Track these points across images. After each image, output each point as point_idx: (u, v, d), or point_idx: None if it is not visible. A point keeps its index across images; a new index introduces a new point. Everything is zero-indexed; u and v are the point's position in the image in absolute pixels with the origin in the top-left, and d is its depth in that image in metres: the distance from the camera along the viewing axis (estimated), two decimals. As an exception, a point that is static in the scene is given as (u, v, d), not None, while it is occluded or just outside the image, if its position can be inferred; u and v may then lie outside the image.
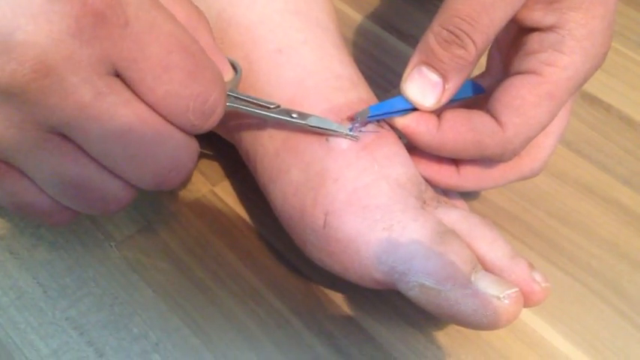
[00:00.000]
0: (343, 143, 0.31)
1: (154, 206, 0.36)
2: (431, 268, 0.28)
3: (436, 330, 0.33)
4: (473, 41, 0.28)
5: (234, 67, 0.31)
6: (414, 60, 0.30)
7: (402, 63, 0.45)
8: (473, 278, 0.28)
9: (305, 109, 0.31)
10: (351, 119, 0.31)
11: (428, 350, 0.32)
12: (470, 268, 0.29)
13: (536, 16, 0.30)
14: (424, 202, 0.31)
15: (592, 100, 0.45)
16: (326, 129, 0.31)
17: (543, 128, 0.31)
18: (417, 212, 0.30)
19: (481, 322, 0.28)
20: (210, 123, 0.27)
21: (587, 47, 0.30)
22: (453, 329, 0.33)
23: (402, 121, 0.31)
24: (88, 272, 0.33)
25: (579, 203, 0.39)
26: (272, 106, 0.30)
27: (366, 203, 0.30)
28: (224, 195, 0.37)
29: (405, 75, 0.30)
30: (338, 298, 0.34)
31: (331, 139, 0.31)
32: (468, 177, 0.33)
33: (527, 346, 0.33)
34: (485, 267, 0.30)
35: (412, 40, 0.47)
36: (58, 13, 0.23)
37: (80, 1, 0.23)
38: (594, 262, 0.36)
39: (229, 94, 0.29)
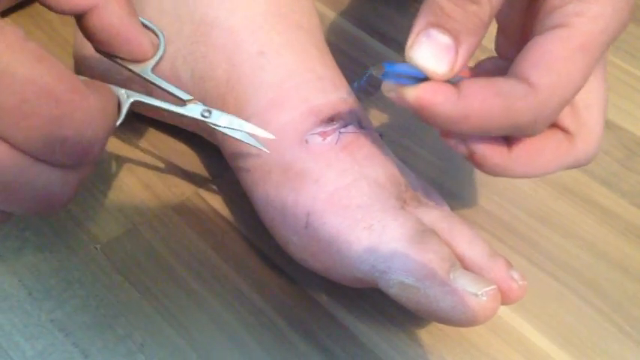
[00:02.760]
0: (323, 145, 0.31)
1: (139, 208, 0.37)
2: (410, 266, 0.29)
3: (418, 328, 0.33)
4: None
5: (157, 35, 0.29)
6: (419, 23, 0.26)
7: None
8: (451, 276, 0.29)
9: (285, 110, 0.32)
10: (330, 120, 0.32)
11: (410, 348, 0.33)
12: (448, 266, 0.29)
13: None
14: (404, 202, 0.32)
15: (571, 102, 0.45)
16: (235, 137, 0.30)
17: (578, 89, 0.27)
18: (397, 212, 0.31)
19: (460, 319, 0.29)
20: (87, 160, 0.25)
21: None
22: (435, 327, 0.33)
23: (414, 93, 0.26)
24: (73, 274, 0.34)
25: (558, 203, 0.39)
26: (185, 99, 0.29)
27: (346, 203, 0.30)
28: (208, 197, 0.38)
29: (410, 41, 0.26)
30: (321, 298, 0.34)
31: (311, 140, 0.32)
32: (519, 157, 0.29)
33: (508, 343, 0.33)
34: (465, 265, 0.30)
35: (394, 43, 0.48)
36: None
37: None
38: (573, 260, 0.37)
39: (144, 77, 0.28)
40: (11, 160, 0.23)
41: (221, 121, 0.29)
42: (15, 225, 0.35)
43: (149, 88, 0.30)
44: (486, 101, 0.26)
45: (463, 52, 0.26)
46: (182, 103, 0.29)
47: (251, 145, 0.30)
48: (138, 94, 0.28)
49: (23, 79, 0.22)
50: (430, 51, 0.26)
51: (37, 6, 0.47)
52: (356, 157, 0.32)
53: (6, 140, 0.23)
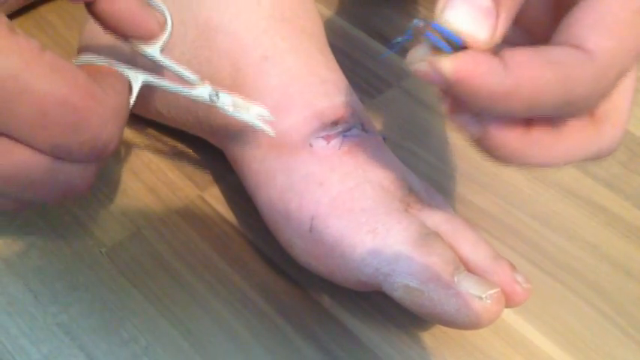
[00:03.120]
0: (327, 149, 0.32)
1: (143, 212, 0.37)
2: (414, 270, 0.29)
3: (421, 331, 0.33)
4: None
5: (164, 18, 0.30)
6: None
7: (387, 69, 0.46)
8: (455, 279, 0.29)
9: (290, 114, 0.32)
10: (334, 124, 0.32)
11: (413, 351, 0.33)
12: (452, 269, 0.29)
13: None
14: (408, 205, 0.32)
15: (573, 105, 0.45)
16: (243, 119, 0.31)
17: (638, 58, 0.23)
18: (401, 215, 0.31)
19: (464, 322, 0.29)
20: (105, 156, 0.27)
21: None
22: (437, 330, 0.33)
23: (452, 63, 0.22)
24: (79, 278, 0.34)
25: (561, 206, 0.40)
26: (194, 81, 0.30)
27: (350, 207, 0.31)
28: (212, 200, 0.38)
29: (442, 2, 0.22)
30: (325, 301, 0.34)
31: (315, 143, 0.32)
32: (540, 141, 0.25)
33: (511, 346, 0.33)
34: (468, 268, 0.30)
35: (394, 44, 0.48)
36: None
37: None
38: (576, 263, 0.37)
39: (154, 60, 0.30)
40: (35, 162, 0.26)
41: (228, 102, 0.31)
42: (20, 229, 0.35)
43: (160, 72, 0.31)
44: (538, 72, 0.22)
45: (504, 18, 0.22)
46: (191, 84, 0.30)
47: (257, 127, 0.31)
48: (147, 75, 0.30)
49: (42, 94, 0.24)
50: (468, 13, 0.22)
51: (40, 10, 0.47)
52: (359, 161, 0.32)
53: (29, 145, 0.25)
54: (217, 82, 0.34)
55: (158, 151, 0.40)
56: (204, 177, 0.39)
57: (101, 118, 0.26)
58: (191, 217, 0.37)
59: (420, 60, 0.23)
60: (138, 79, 0.29)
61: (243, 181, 0.35)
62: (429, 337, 0.33)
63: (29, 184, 0.26)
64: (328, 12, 0.51)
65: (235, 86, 0.34)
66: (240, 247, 0.36)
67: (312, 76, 0.34)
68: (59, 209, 0.36)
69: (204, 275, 0.35)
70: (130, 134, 0.40)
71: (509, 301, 0.30)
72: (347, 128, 0.32)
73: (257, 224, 0.35)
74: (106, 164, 0.39)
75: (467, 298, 0.29)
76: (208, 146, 0.38)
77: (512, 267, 0.31)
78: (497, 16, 0.22)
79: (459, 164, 0.41)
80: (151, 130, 0.41)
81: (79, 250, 0.35)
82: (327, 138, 0.32)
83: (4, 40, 0.24)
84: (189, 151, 0.40)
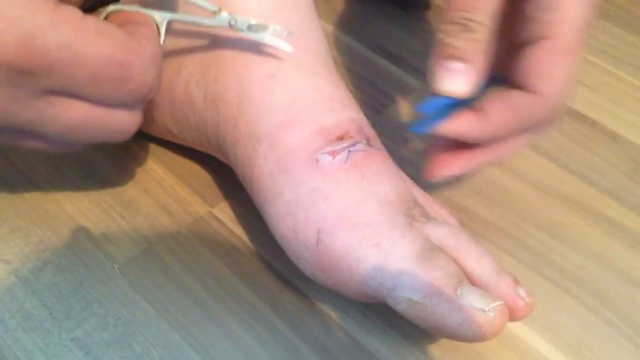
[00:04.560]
0: (333, 164, 0.32)
1: (155, 229, 0.38)
2: (417, 284, 0.29)
3: (428, 342, 0.34)
4: (479, 23, 0.30)
5: None
6: (435, 61, 0.31)
7: (392, 84, 0.47)
8: (459, 292, 0.29)
9: (296, 131, 0.33)
10: (340, 139, 0.33)
11: (421, 362, 0.33)
12: (456, 283, 0.30)
13: None
14: (413, 219, 0.32)
15: (577, 116, 0.46)
16: (260, 39, 0.33)
17: (574, 76, 0.32)
18: (405, 229, 0.31)
19: (467, 335, 0.29)
20: (149, 97, 0.31)
21: None
22: (445, 341, 0.34)
23: (447, 127, 0.31)
24: (92, 293, 0.35)
25: (566, 216, 0.40)
26: (214, 10, 0.33)
27: (356, 221, 0.31)
28: (222, 216, 0.39)
29: (432, 77, 0.31)
30: (333, 313, 0.35)
31: (321, 159, 0.32)
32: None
33: (518, 355, 0.34)
34: (472, 282, 0.31)
35: (402, 62, 0.49)
36: None
37: (5, 62, 0.26)
38: (582, 273, 0.37)
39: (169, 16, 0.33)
40: (91, 113, 0.30)
41: (245, 25, 0.33)
42: (35, 247, 0.36)
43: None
44: (508, 120, 0.32)
45: (475, 68, 0.30)
46: (211, 15, 0.33)
47: (273, 44, 0.33)
48: (170, 13, 0.33)
49: (92, 58, 0.28)
50: (450, 78, 0.30)
51: None
52: (365, 175, 0.32)
53: (85, 100, 0.29)
54: (225, 100, 0.35)
55: (169, 169, 0.41)
56: (214, 193, 0.40)
57: (142, 67, 0.29)
58: (201, 232, 0.38)
59: (432, 129, 0.31)
60: (164, 18, 0.33)
61: (252, 197, 0.35)
62: (437, 348, 0.34)
63: (89, 131, 0.30)
64: (333, 29, 0.51)
65: (242, 104, 0.34)
66: (249, 261, 0.37)
67: (318, 93, 0.34)
68: (72, 226, 0.37)
69: (215, 289, 0.35)
70: (141, 152, 0.41)
71: (512, 315, 0.30)
72: (352, 143, 0.33)
73: (266, 239, 0.36)
74: (119, 182, 0.39)
75: (470, 311, 0.29)
76: (218, 163, 0.39)
77: (516, 281, 0.31)
78: (471, 71, 0.30)
79: (465, 177, 0.41)
80: (161, 148, 0.42)
81: (93, 267, 0.36)
82: (333, 153, 0.33)
83: (53, 14, 0.27)
84: (199, 168, 0.41)
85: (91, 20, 0.28)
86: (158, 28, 0.33)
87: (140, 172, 0.40)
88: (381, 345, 0.34)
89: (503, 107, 0.32)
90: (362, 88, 0.46)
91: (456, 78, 0.30)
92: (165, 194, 0.39)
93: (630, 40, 0.52)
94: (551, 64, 0.31)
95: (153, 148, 0.42)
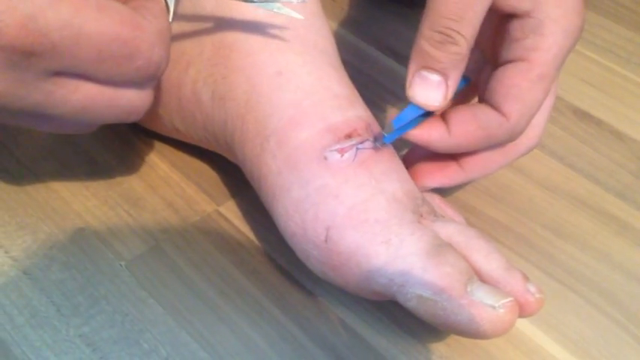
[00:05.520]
0: (341, 161, 0.32)
1: (162, 226, 0.38)
2: (427, 280, 0.29)
3: (436, 340, 0.34)
4: (463, 36, 0.30)
5: None
6: (412, 66, 0.32)
7: (398, 82, 0.47)
8: (469, 289, 0.29)
9: (304, 128, 0.33)
10: (348, 137, 0.33)
11: (428, 360, 0.33)
12: (465, 279, 0.30)
13: (513, 2, 0.31)
14: (421, 216, 0.32)
15: (583, 116, 0.46)
16: (268, 9, 0.33)
17: (541, 105, 0.33)
18: (414, 226, 0.31)
19: (477, 331, 0.29)
20: (158, 75, 0.30)
21: (565, 25, 0.31)
22: (452, 339, 0.34)
23: (414, 134, 0.33)
24: (100, 291, 0.35)
25: (573, 215, 0.40)
26: None
27: (364, 218, 0.31)
28: (229, 214, 0.39)
29: (407, 83, 0.32)
30: (340, 311, 0.35)
31: (329, 156, 0.32)
32: (473, 169, 0.35)
33: (525, 354, 0.34)
34: (481, 279, 0.31)
35: (407, 60, 0.49)
36: None
37: (7, 44, 0.25)
38: (589, 272, 0.37)
39: None
40: (99, 93, 0.29)
41: None
42: (42, 243, 0.36)
43: None
44: (471, 134, 0.32)
45: (452, 83, 0.31)
46: None
47: (282, 12, 0.33)
48: None
49: (95, 35, 0.27)
50: (425, 89, 0.31)
51: None
52: (373, 173, 0.32)
53: (92, 80, 0.28)
54: (233, 98, 0.35)
55: (175, 167, 0.41)
56: (221, 191, 0.40)
57: (148, 43, 0.28)
58: (208, 230, 0.38)
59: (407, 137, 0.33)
60: None
61: (260, 195, 0.35)
62: (444, 347, 0.34)
63: (98, 111, 0.29)
64: (340, 28, 0.51)
65: (250, 101, 0.34)
66: (256, 259, 0.37)
67: (326, 91, 0.34)
68: (79, 223, 0.37)
69: (222, 287, 0.35)
70: (147, 150, 0.41)
71: (521, 312, 0.30)
72: (360, 141, 0.33)
73: (273, 237, 0.36)
74: (126, 180, 0.39)
75: (480, 307, 0.29)
76: (224, 161, 0.39)
77: (525, 277, 0.31)
78: (447, 85, 0.31)
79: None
80: (168, 147, 0.42)
81: (100, 264, 0.36)
82: (341, 151, 0.33)
83: None
84: (206, 166, 0.41)
85: None
86: (167, 4, 0.32)
87: (147, 170, 0.40)
88: (388, 343, 0.34)
89: (468, 121, 0.32)
90: (368, 86, 0.46)
91: (431, 91, 0.31)
92: (171, 192, 0.39)
93: (636, 40, 0.52)
94: (522, 88, 0.31)
95: (159, 145, 0.42)
